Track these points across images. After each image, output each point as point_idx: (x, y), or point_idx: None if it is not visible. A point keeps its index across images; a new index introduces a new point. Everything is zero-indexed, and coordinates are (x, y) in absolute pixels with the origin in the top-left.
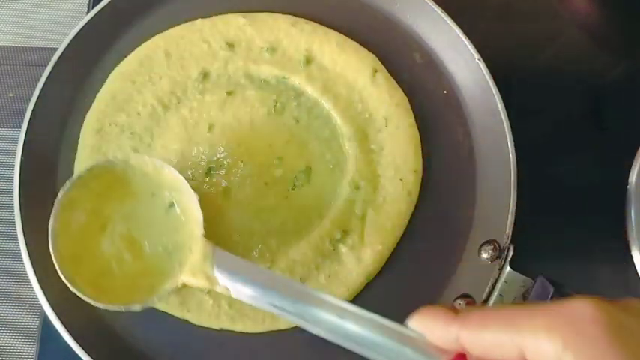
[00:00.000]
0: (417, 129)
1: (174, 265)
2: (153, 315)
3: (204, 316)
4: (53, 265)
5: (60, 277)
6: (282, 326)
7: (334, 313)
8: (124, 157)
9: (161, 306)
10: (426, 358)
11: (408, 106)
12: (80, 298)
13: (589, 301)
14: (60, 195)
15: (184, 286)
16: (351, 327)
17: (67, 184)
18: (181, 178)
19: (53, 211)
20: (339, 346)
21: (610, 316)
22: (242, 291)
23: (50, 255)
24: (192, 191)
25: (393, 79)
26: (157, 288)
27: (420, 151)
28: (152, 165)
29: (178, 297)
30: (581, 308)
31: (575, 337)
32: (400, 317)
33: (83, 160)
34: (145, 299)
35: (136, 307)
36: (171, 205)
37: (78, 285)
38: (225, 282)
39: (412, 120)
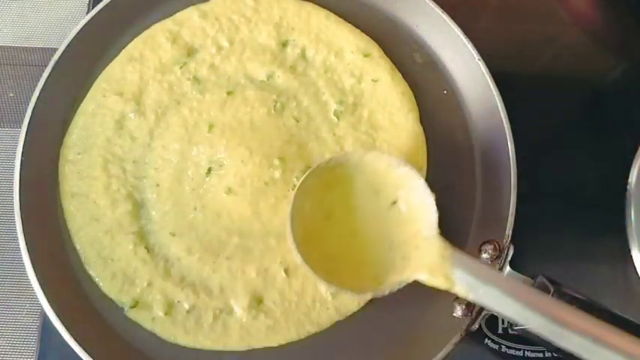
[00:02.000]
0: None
1: (396, 260)
2: None
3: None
4: (53, 265)
5: (60, 277)
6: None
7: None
8: (361, 152)
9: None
10: None
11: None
12: (80, 297)
13: None
14: (299, 182)
15: (416, 282)
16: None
17: (307, 172)
18: (419, 176)
19: (293, 196)
20: None
21: None
22: (482, 294)
23: (50, 256)
24: (428, 190)
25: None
26: (381, 279)
27: (425, 149)
28: (387, 162)
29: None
30: None
31: None
32: (400, 316)
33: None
34: (375, 289)
35: (367, 296)
36: (394, 202)
37: (311, 265)
38: (465, 284)
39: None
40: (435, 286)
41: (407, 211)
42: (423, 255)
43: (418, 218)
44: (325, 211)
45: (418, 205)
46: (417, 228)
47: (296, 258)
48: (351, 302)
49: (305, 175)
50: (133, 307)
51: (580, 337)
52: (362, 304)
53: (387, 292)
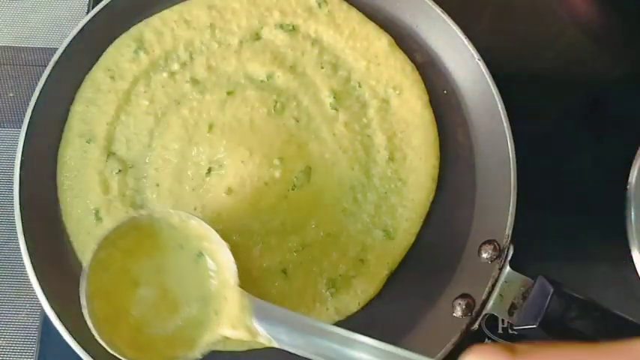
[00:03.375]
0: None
1: (210, 315)
2: None
3: None
4: (53, 265)
5: (60, 277)
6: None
7: (377, 356)
8: (148, 212)
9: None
10: None
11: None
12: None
13: None
14: (88, 258)
15: (226, 338)
16: None
17: (94, 246)
18: (209, 228)
19: (83, 276)
20: None
21: None
22: (284, 340)
23: (50, 256)
24: (222, 240)
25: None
26: (196, 340)
27: (438, 147)
28: (178, 217)
29: None
30: None
31: None
32: (400, 316)
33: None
34: (186, 353)
35: None
36: (200, 254)
37: (117, 346)
38: (265, 332)
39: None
40: (242, 339)
41: (213, 262)
42: (229, 307)
43: (223, 269)
44: (131, 279)
45: (218, 254)
46: (225, 278)
47: (99, 340)
48: (352, 302)
49: (94, 250)
50: None
51: None
52: (362, 305)
53: (198, 356)
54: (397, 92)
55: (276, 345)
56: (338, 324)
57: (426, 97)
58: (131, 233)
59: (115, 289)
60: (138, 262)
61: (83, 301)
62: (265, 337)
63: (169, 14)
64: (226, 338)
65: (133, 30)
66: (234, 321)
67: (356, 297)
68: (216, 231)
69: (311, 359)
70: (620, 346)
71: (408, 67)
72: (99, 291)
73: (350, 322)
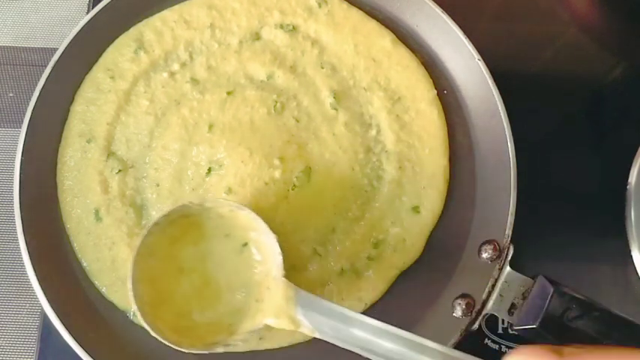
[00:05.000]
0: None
1: (251, 303)
2: None
3: None
4: (53, 265)
5: (60, 277)
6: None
7: (414, 350)
8: (200, 201)
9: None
10: None
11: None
12: (80, 297)
13: None
14: (138, 243)
15: (268, 327)
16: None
17: (144, 231)
18: (258, 219)
19: (132, 260)
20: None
21: None
22: (328, 333)
23: (50, 256)
24: (270, 232)
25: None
26: (236, 327)
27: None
28: (228, 206)
29: None
30: None
31: None
32: (400, 316)
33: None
34: (226, 339)
35: (219, 349)
36: (245, 244)
37: (160, 330)
38: (309, 324)
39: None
40: (284, 328)
41: (258, 252)
42: (272, 296)
43: (268, 259)
44: (177, 266)
45: (264, 244)
46: (268, 268)
47: (142, 323)
48: (355, 303)
49: (144, 235)
50: None
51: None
52: (368, 306)
53: (239, 344)
54: (402, 90)
55: (318, 336)
56: None
57: (433, 92)
58: (179, 221)
59: (161, 274)
60: (183, 249)
61: (129, 284)
62: (308, 327)
63: (169, 14)
64: (269, 328)
65: (133, 30)
66: (278, 311)
67: (361, 301)
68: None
69: (352, 351)
70: None
71: (414, 63)
72: (145, 275)
73: None
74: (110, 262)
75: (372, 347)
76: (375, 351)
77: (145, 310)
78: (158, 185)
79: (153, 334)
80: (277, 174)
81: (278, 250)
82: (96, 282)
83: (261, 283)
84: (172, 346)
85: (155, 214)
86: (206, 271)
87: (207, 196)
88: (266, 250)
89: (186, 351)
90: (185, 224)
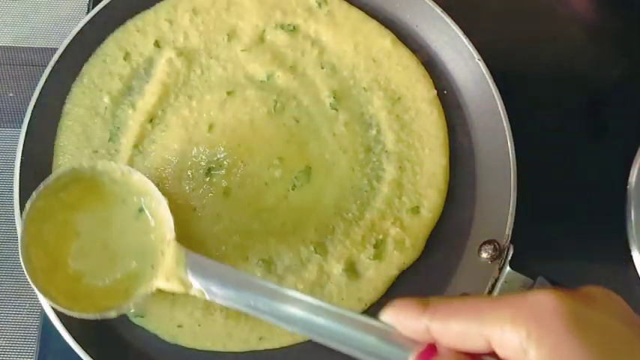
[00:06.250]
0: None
1: (147, 269)
2: None
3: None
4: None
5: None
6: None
7: (307, 310)
8: (90, 164)
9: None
10: (397, 348)
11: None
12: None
13: (550, 293)
14: (27, 206)
15: (267, 327)
16: (323, 322)
17: (33, 194)
18: (150, 182)
19: (22, 223)
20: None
21: (569, 308)
22: (217, 293)
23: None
24: (161, 195)
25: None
26: (131, 292)
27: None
28: (120, 171)
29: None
30: (543, 300)
31: (537, 327)
32: None
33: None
34: (121, 304)
35: (111, 314)
36: (141, 209)
37: (51, 295)
38: (199, 285)
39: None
40: (174, 291)
41: (152, 217)
42: (165, 261)
43: (162, 224)
44: (72, 231)
45: (157, 209)
46: (162, 233)
47: (33, 287)
48: (355, 303)
49: (32, 198)
50: (139, 315)
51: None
52: (368, 306)
53: (131, 307)
54: (402, 90)
55: (207, 298)
56: None
57: (433, 92)
58: (73, 185)
59: (55, 239)
60: (79, 215)
61: (20, 248)
62: (198, 289)
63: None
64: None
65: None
66: (168, 273)
67: (361, 301)
68: (216, 231)
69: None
70: (521, 297)
71: (413, 63)
72: (36, 240)
73: None
74: None
75: (265, 308)
76: (260, 308)
77: (35, 275)
78: (158, 185)
79: (42, 299)
80: (277, 174)
81: (168, 213)
82: None
83: (156, 249)
84: (64, 311)
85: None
86: (103, 237)
87: (207, 196)
88: (159, 216)
89: (77, 316)
90: (80, 189)
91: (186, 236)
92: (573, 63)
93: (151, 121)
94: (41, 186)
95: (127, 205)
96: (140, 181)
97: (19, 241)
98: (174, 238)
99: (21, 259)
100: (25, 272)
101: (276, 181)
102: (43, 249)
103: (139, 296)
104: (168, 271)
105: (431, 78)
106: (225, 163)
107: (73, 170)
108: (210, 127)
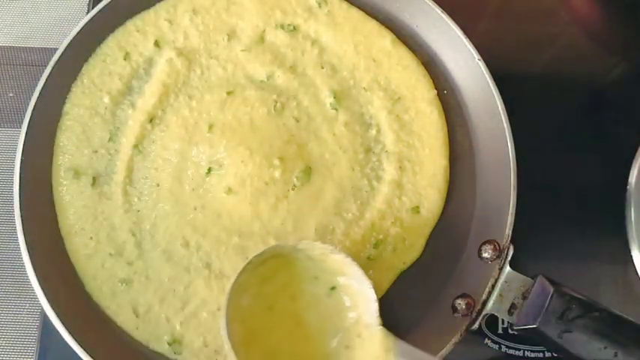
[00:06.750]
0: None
1: (340, 350)
2: None
3: None
4: (53, 265)
5: (60, 277)
6: None
7: None
8: (293, 243)
9: None
10: None
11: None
12: (80, 297)
13: None
14: (231, 281)
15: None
16: None
17: (239, 271)
18: (354, 264)
19: (225, 299)
20: None
21: None
22: None
23: (50, 256)
24: (364, 278)
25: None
26: None
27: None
28: (319, 250)
29: None
30: None
31: None
32: (400, 316)
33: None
34: None
35: None
36: (333, 288)
37: None
38: None
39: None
40: None
41: (347, 297)
42: (365, 345)
43: (359, 305)
44: (266, 304)
45: (357, 291)
46: (359, 314)
47: None
48: None
49: (237, 274)
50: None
51: None
52: None
53: None
54: (402, 90)
55: None
56: None
57: (433, 92)
58: (270, 261)
59: (252, 313)
60: (274, 289)
61: (223, 323)
62: None
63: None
64: None
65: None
66: (372, 359)
67: None
68: (216, 232)
69: None
70: None
71: (413, 63)
72: (236, 314)
73: None
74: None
75: None
76: None
77: (237, 349)
78: (158, 185)
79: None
80: (277, 174)
81: (374, 297)
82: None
83: (351, 330)
84: None
85: (155, 214)
86: (296, 312)
87: (207, 196)
88: (357, 296)
89: None
90: (275, 264)
91: (187, 236)
92: (573, 63)
93: (151, 121)
94: (245, 262)
95: (319, 282)
96: (339, 261)
97: (222, 317)
98: (379, 323)
99: (224, 335)
100: (227, 347)
101: (276, 181)
102: (241, 323)
103: None
104: (377, 357)
105: (431, 78)
106: (225, 163)
107: (277, 247)
108: (210, 127)
